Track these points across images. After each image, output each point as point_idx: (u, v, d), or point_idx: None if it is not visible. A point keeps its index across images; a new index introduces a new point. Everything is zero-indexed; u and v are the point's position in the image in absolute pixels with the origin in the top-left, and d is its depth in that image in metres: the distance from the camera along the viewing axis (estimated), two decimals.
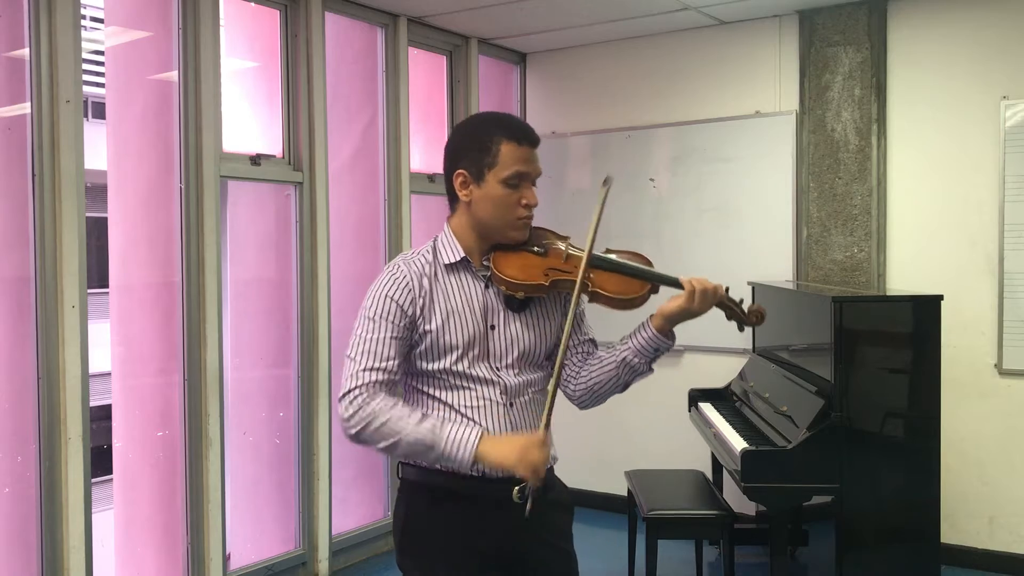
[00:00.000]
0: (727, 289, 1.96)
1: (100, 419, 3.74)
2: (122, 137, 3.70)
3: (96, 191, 3.53)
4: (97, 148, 3.61)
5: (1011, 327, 4.18)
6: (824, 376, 3.44)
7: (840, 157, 4.56)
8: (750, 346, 4.54)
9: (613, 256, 1.99)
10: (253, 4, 4.15)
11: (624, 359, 1.97)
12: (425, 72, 5.03)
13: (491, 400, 1.93)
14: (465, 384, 1.93)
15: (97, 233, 3.67)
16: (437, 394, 1.94)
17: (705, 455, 4.46)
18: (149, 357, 3.74)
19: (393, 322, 1.88)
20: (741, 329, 2.05)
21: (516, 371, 1.96)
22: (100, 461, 3.74)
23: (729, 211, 4.83)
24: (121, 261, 3.71)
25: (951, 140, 4.32)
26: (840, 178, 4.56)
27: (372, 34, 4.66)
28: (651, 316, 1.97)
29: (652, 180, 5.05)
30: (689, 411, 4.44)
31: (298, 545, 4.26)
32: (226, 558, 3.90)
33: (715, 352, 4.80)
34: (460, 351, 1.91)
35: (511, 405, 1.95)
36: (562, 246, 1.99)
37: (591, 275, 1.94)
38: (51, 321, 3.25)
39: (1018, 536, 4.21)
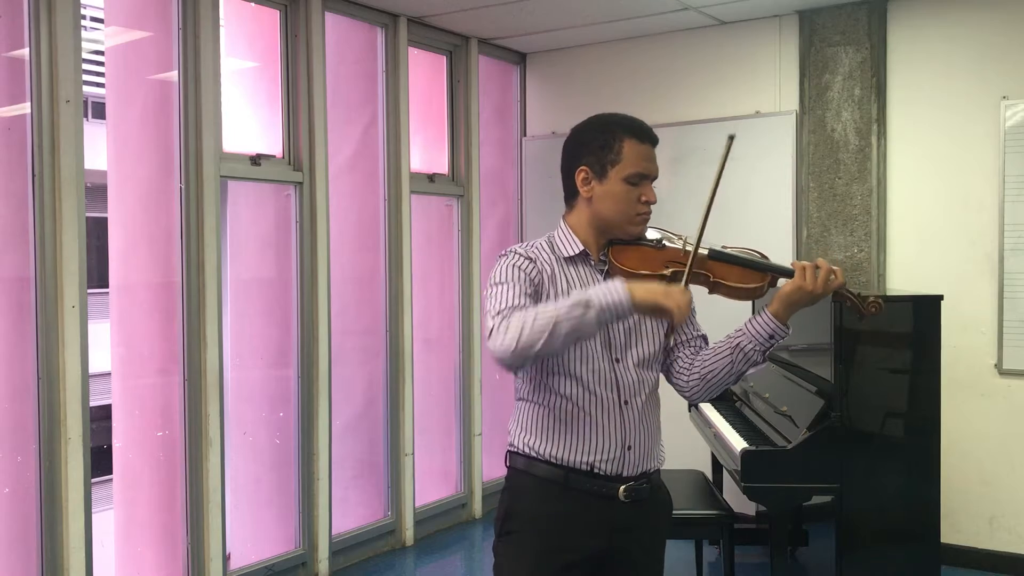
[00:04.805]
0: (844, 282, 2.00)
1: (100, 419, 3.74)
2: (122, 137, 3.70)
3: (96, 191, 3.53)
4: (97, 148, 3.61)
5: (1011, 327, 4.17)
6: (824, 376, 3.44)
7: (840, 157, 4.56)
8: None
9: (730, 250, 2.03)
10: (253, 4, 4.15)
11: (738, 344, 1.98)
12: (425, 72, 5.03)
13: (607, 397, 1.96)
14: (584, 376, 1.95)
15: (97, 233, 3.67)
16: (558, 388, 1.96)
17: (705, 455, 4.45)
18: (149, 357, 3.74)
19: (521, 283, 1.93)
20: (860, 320, 2.06)
21: (633, 364, 1.98)
22: (100, 461, 3.74)
23: (729, 211, 4.82)
24: (121, 261, 3.71)
25: (951, 140, 4.32)
26: (840, 178, 4.56)
27: (372, 34, 4.65)
28: (767, 304, 1.99)
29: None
30: (689, 411, 4.43)
31: (298, 545, 4.26)
32: (226, 558, 3.90)
33: None
34: None
35: (626, 403, 1.97)
36: (679, 242, 2.03)
37: (711, 266, 1.97)
38: (51, 321, 3.25)
39: (1018, 536, 4.21)
